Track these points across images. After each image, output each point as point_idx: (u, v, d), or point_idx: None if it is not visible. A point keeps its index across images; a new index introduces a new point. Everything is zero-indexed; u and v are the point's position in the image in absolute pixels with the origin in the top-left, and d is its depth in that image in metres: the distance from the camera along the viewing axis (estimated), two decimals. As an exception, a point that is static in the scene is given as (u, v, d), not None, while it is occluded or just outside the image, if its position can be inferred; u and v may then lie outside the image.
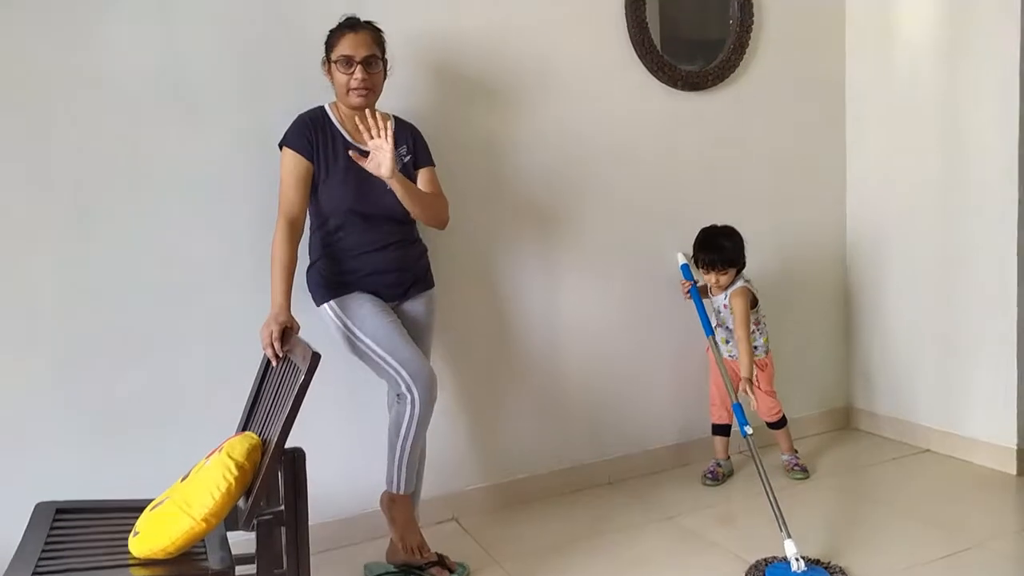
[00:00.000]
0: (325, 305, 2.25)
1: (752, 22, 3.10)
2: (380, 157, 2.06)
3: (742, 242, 2.81)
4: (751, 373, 2.75)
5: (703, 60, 3.07)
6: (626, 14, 2.88)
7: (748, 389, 2.72)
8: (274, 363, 1.98)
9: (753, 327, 2.83)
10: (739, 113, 3.13)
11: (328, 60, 2.19)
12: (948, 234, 3.02)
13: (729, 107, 3.11)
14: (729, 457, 2.97)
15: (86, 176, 2.20)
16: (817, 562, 2.23)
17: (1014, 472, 2.84)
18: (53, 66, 2.15)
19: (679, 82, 3.00)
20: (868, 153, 3.30)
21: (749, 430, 2.56)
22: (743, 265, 2.83)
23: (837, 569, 2.20)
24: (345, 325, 2.21)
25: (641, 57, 2.92)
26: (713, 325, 2.83)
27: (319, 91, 2.26)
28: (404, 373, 2.17)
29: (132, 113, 2.23)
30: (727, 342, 2.86)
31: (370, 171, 2.09)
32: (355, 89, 2.14)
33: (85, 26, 2.17)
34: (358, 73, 2.13)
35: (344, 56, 2.14)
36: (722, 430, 2.94)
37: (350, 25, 2.17)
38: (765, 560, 2.26)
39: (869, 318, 3.37)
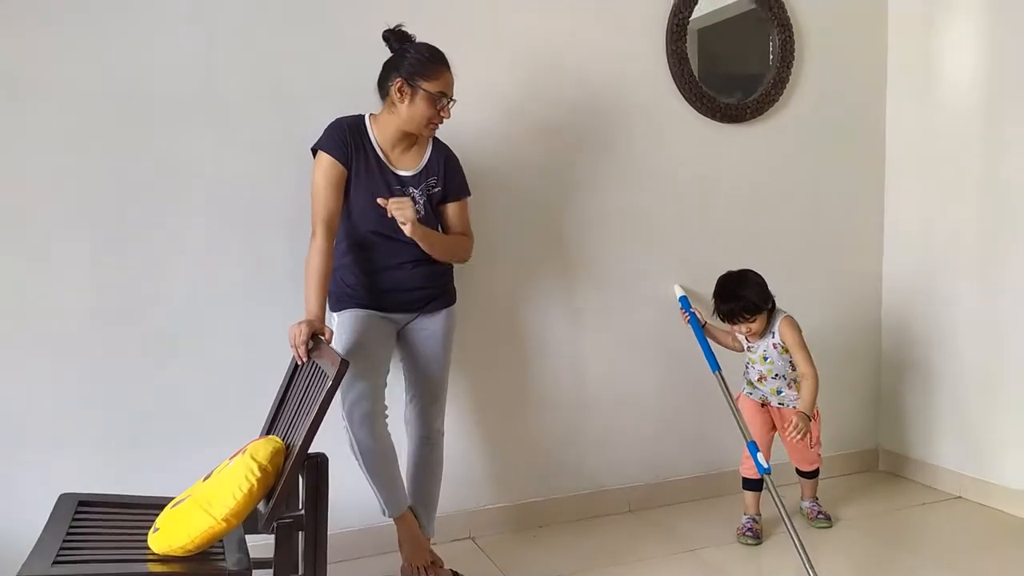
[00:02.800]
0: (334, 314, 2.28)
1: (793, 58, 3.10)
2: (401, 216, 2.09)
3: (761, 283, 2.60)
4: (812, 410, 2.51)
5: (742, 93, 3.07)
6: (667, 45, 2.90)
7: (801, 431, 2.41)
8: (300, 361, 1.99)
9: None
10: (776, 147, 3.12)
11: (411, 85, 2.12)
12: (986, 277, 2.96)
13: (767, 140, 3.10)
14: (760, 513, 2.75)
15: (120, 184, 2.25)
16: None
17: (1049, 524, 2.76)
18: (89, 79, 2.20)
19: (717, 114, 3.00)
20: (907, 194, 3.26)
21: (765, 463, 2.47)
22: (773, 304, 2.63)
23: None
24: (336, 339, 2.23)
25: (680, 87, 2.93)
26: (756, 379, 2.71)
27: (349, 98, 2.28)
28: (345, 405, 2.19)
29: (166, 123, 2.28)
30: (779, 392, 2.66)
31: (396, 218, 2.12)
32: (434, 123, 2.18)
33: (119, 40, 2.23)
34: (445, 112, 2.16)
35: (442, 93, 2.14)
36: (755, 485, 2.71)
37: (445, 61, 2.16)
38: None
39: (902, 359, 3.30)
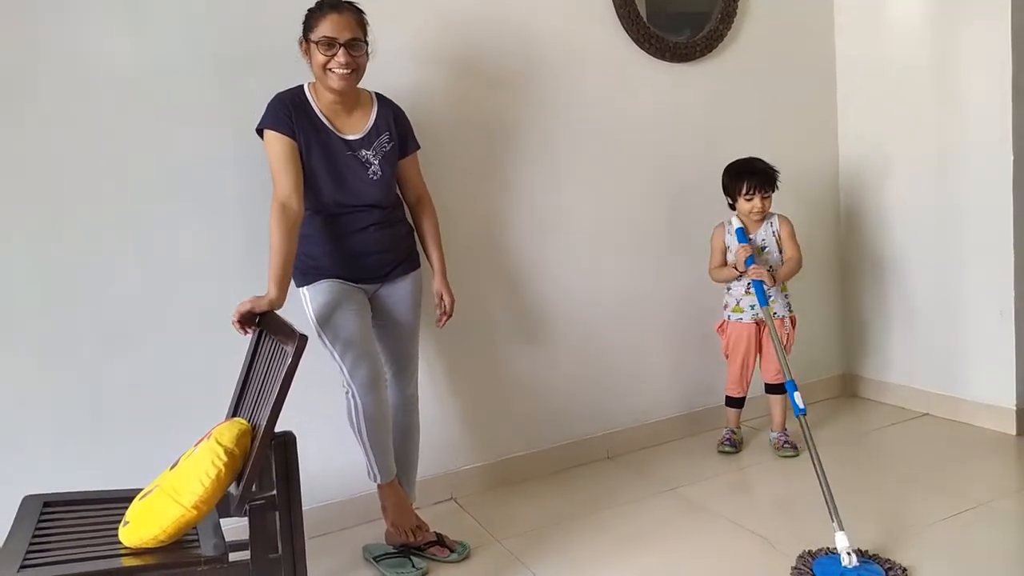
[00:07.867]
0: (301, 289, 2.22)
1: (738, -10, 3.06)
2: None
3: None
4: (779, 282, 2.78)
5: (690, 31, 3.02)
6: (610, -15, 2.84)
7: (765, 277, 2.69)
8: (240, 333, 1.99)
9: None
10: (729, 83, 3.09)
11: (306, 40, 2.11)
12: (944, 195, 2.99)
13: (719, 77, 3.07)
14: (740, 426, 3.00)
15: (62, 174, 2.15)
16: (873, 557, 2.07)
17: (1014, 432, 2.84)
18: (26, 68, 2.09)
19: (667, 54, 2.96)
20: (860, 120, 3.27)
21: (800, 403, 2.41)
22: None
23: (895, 565, 2.02)
24: (311, 313, 2.19)
25: (628, 30, 2.88)
26: (744, 287, 2.80)
27: (296, 74, 2.20)
28: (346, 371, 2.17)
29: (106, 109, 2.18)
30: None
31: None
32: (335, 71, 2.08)
33: (56, 27, 2.11)
34: (341, 56, 2.06)
35: (326, 37, 2.06)
36: (738, 403, 2.95)
37: (332, 5, 2.09)
38: (811, 552, 2.12)
39: (863, 284, 3.35)
